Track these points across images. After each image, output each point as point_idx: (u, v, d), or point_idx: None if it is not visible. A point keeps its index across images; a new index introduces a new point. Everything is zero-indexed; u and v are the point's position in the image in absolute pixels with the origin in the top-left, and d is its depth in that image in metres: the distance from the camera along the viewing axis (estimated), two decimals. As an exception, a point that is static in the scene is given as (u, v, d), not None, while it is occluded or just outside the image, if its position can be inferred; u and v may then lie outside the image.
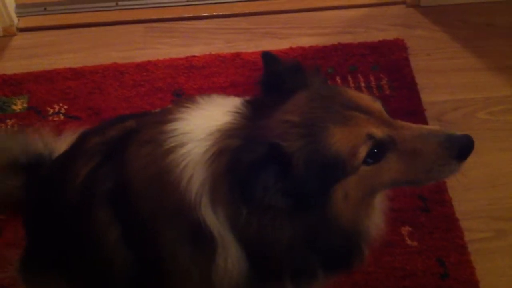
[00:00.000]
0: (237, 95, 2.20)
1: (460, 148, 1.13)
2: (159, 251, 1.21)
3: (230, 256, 1.17)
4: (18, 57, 2.33)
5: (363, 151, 1.07)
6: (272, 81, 1.19)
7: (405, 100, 2.17)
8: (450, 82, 2.24)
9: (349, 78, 2.24)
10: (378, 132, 1.09)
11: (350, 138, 1.07)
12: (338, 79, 2.23)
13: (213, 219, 1.13)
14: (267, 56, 1.23)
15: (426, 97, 2.19)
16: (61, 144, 1.74)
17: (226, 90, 2.19)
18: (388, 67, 2.27)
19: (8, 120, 2.11)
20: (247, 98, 1.22)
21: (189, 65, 2.28)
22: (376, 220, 1.26)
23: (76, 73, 2.25)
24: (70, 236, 1.35)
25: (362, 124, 1.08)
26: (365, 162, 1.09)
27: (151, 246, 1.21)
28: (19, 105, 2.16)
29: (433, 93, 2.21)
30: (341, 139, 1.06)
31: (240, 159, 1.07)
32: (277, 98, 1.15)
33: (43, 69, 2.26)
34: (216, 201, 1.12)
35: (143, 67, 2.27)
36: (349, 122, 1.08)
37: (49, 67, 2.27)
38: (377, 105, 1.13)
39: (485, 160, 2.01)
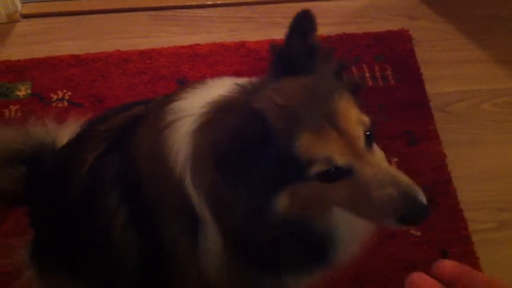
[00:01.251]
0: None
1: (408, 214, 1.04)
2: (160, 237, 1.21)
3: (210, 233, 1.15)
4: (22, 43, 2.32)
5: (316, 168, 1.02)
6: (281, 64, 1.13)
7: (409, 91, 2.17)
8: (455, 73, 2.24)
9: (354, 69, 2.23)
10: (340, 159, 1.03)
11: (312, 149, 1.02)
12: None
13: (194, 192, 1.12)
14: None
15: (431, 88, 2.18)
16: (64, 132, 1.73)
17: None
18: (393, 58, 2.26)
19: (11, 106, 2.10)
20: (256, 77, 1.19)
21: (193, 54, 2.27)
22: (352, 224, 1.20)
23: (79, 60, 2.23)
24: (77, 227, 1.34)
25: (329, 144, 1.03)
26: (315, 177, 1.04)
27: (154, 231, 1.21)
28: (22, 91, 2.15)
29: (438, 84, 2.20)
30: (306, 145, 1.02)
31: (221, 123, 1.05)
32: (280, 77, 1.11)
33: (46, 55, 2.24)
34: (196, 172, 1.11)
35: (147, 55, 2.26)
36: (320, 134, 1.02)
37: (53, 53, 2.25)
38: (357, 131, 1.05)
39: (489, 151, 2.01)
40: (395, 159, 1.98)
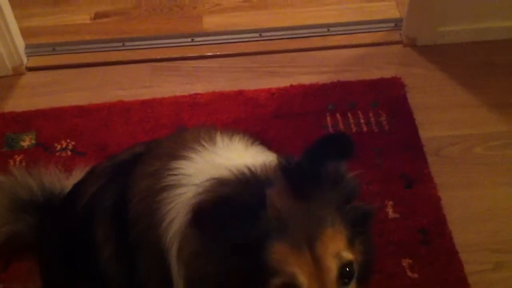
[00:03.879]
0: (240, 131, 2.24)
1: None
2: (138, 278, 1.25)
3: None
4: (27, 95, 2.39)
5: (278, 280, 1.05)
6: (294, 176, 1.12)
7: (403, 136, 2.22)
8: (447, 118, 2.29)
9: (349, 115, 2.29)
10: (303, 279, 1.05)
11: (283, 261, 1.05)
12: (338, 115, 2.28)
13: (175, 264, 1.14)
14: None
15: (424, 133, 2.24)
16: (72, 181, 1.78)
17: (229, 126, 2.24)
18: (386, 104, 2.33)
19: (16, 156, 2.16)
20: (277, 157, 1.19)
21: (193, 103, 2.34)
22: None
23: (83, 111, 2.30)
24: (74, 257, 1.38)
25: (299, 262, 1.05)
26: None
27: (134, 268, 1.25)
28: (27, 141, 2.21)
29: (431, 129, 2.26)
30: (278, 255, 1.05)
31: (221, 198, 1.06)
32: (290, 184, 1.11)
33: (51, 106, 2.31)
34: (182, 245, 1.12)
35: (148, 105, 2.33)
36: (295, 250, 1.05)
37: (57, 104, 2.32)
38: (330, 262, 1.06)
39: (483, 194, 2.05)
40: (391, 202, 2.02)
